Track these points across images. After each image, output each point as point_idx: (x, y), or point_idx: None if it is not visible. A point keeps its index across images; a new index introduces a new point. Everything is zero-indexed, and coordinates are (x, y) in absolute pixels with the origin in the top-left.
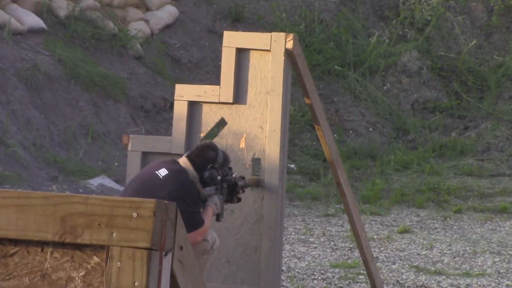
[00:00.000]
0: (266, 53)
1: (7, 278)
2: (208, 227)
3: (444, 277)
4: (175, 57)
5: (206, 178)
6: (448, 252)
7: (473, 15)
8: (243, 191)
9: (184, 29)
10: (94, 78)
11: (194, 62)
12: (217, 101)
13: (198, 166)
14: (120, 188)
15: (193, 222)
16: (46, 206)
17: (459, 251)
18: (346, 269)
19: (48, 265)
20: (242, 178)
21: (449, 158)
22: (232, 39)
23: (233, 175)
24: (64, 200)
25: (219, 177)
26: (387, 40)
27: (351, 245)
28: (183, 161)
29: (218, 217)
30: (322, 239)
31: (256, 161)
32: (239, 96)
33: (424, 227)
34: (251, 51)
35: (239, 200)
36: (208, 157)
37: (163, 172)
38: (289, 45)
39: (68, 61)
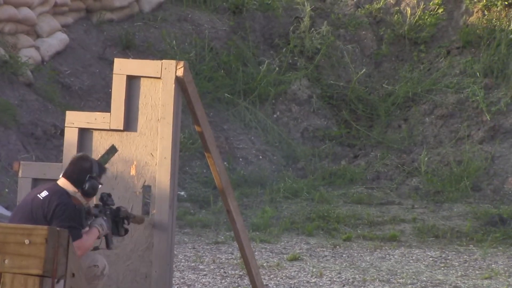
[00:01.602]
0: (156, 81)
1: None
2: (88, 245)
3: None
4: (66, 84)
5: (88, 189)
6: (338, 280)
7: (363, 43)
8: (128, 223)
9: (74, 56)
10: None
11: (85, 89)
12: (108, 128)
13: (76, 181)
14: (10, 214)
15: (74, 235)
16: None
17: (349, 279)
18: None
19: None
20: (124, 208)
21: (338, 186)
22: (123, 67)
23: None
24: None
25: (101, 204)
26: (277, 68)
27: (241, 273)
28: (61, 181)
29: (108, 244)
30: (212, 267)
31: (147, 188)
32: (130, 123)
33: (314, 254)
34: (141, 79)
35: (126, 231)
36: (83, 168)
37: (43, 193)
38: (180, 72)
39: None
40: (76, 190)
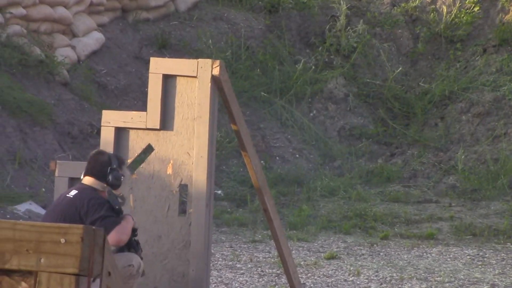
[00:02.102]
0: (192, 80)
1: None
2: (129, 230)
3: None
4: (102, 83)
5: (112, 181)
6: (375, 278)
7: (399, 42)
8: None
9: (110, 55)
10: (21, 104)
11: (121, 89)
12: (144, 127)
13: (100, 176)
14: None
15: (108, 224)
16: None
17: (386, 278)
18: None
19: None
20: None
21: (375, 184)
22: (159, 66)
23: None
24: None
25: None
26: (313, 67)
27: (278, 271)
28: (86, 180)
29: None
30: (249, 265)
31: (183, 187)
32: (166, 122)
33: (351, 253)
34: (177, 78)
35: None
36: (102, 162)
37: (72, 193)
38: (216, 71)
39: None
40: (105, 185)
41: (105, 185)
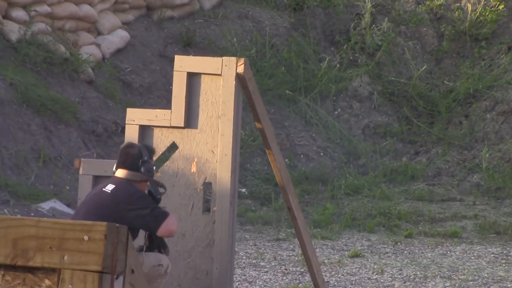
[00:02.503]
0: (217, 78)
1: None
2: (176, 219)
3: None
4: (126, 81)
5: (145, 173)
6: (399, 276)
7: (424, 40)
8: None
9: (135, 53)
10: (45, 102)
11: (145, 87)
12: (168, 125)
13: (133, 168)
14: (71, 211)
15: (159, 215)
16: None
17: (410, 276)
18: None
19: None
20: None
21: (400, 183)
22: (183, 64)
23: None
24: (15, 223)
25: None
26: (338, 65)
27: (302, 270)
28: (119, 173)
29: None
30: (273, 263)
31: (207, 185)
32: (190, 120)
33: (375, 251)
34: (202, 76)
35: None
36: (133, 155)
37: (110, 187)
38: (240, 69)
39: (19, 85)
40: (138, 173)
41: (141, 174)
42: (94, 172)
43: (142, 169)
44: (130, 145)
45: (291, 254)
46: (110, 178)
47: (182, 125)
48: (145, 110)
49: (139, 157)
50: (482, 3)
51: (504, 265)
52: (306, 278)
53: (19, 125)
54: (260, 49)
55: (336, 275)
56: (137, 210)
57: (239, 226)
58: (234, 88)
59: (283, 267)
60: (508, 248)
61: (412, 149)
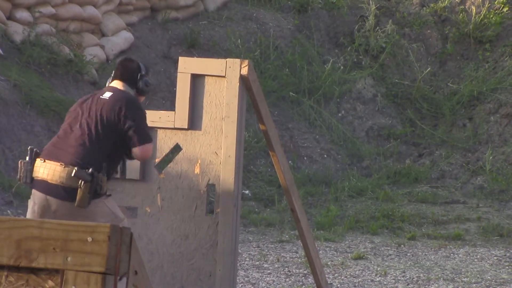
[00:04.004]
0: (221, 79)
1: None
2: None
3: None
4: None
5: (142, 87)
6: (402, 279)
7: (428, 42)
8: None
9: (139, 54)
10: (49, 103)
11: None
12: (172, 126)
13: (130, 82)
14: None
15: (146, 136)
16: (1, 230)
17: (413, 278)
18: None
19: None
20: None
21: (403, 185)
22: (187, 65)
23: None
24: (19, 224)
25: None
26: (342, 67)
27: (305, 271)
28: (117, 83)
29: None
30: (276, 265)
31: (211, 187)
32: (194, 122)
33: (378, 253)
34: (206, 77)
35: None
36: (132, 68)
37: (107, 94)
38: (244, 71)
39: (23, 86)
40: (133, 90)
41: (134, 91)
42: None
43: (140, 83)
44: (129, 59)
45: (294, 256)
46: (104, 88)
47: (186, 127)
48: (149, 111)
49: (138, 71)
50: (486, 5)
51: (507, 267)
52: (309, 280)
53: (23, 126)
54: (264, 51)
55: (339, 277)
56: (130, 119)
57: (242, 227)
58: (238, 90)
59: (286, 269)
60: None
61: (415, 151)
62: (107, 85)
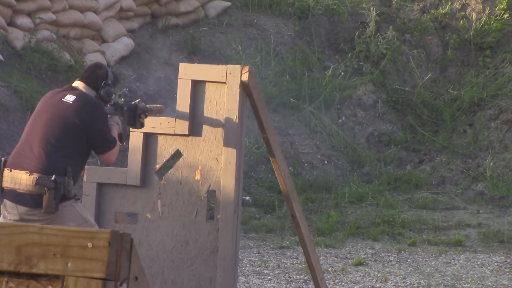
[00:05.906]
0: (221, 85)
1: None
2: (119, 148)
3: None
4: (131, 89)
5: (103, 95)
6: (402, 285)
7: (429, 48)
8: (146, 116)
9: (139, 61)
10: None
11: (150, 94)
12: (173, 133)
13: (93, 86)
14: None
15: (109, 143)
16: (2, 235)
17: (414, 284)
18: None
19: None
20: (144, 103)
21: (403, 191)
22: (188, 71)
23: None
24: (19, 230)
25: (121, 99)
26: (342, 73)
27: (305, 277)
28: (79, 84)
29: (122, 138)
30: (277, 271)
31: (211, 193)
32: (195, 128)
33: (379, 259)
34: (206, 83)
35: (142, 125)
36: (99, 75)
37: (70, 98)
38: (245, 77)
39: (24, 92)
40: (95, 94)
41: (96, 95)
42: (98, 180)
43: (102, 91)
44: (99, 65)
45: (294, 262)
46: (63, 88)
47: (187, 133)
48: (149, 117)
49: (103, 78)
50: (487, 12)
51: (508, 273)
52: (310, 286)
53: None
54: (265, 57)
55: (340, 283)
56: (95, 126)
57: (242, 233)
58: (239, 96)
59: (287, 275)
60: None
61: (416, 157)
62: (76, 81)
